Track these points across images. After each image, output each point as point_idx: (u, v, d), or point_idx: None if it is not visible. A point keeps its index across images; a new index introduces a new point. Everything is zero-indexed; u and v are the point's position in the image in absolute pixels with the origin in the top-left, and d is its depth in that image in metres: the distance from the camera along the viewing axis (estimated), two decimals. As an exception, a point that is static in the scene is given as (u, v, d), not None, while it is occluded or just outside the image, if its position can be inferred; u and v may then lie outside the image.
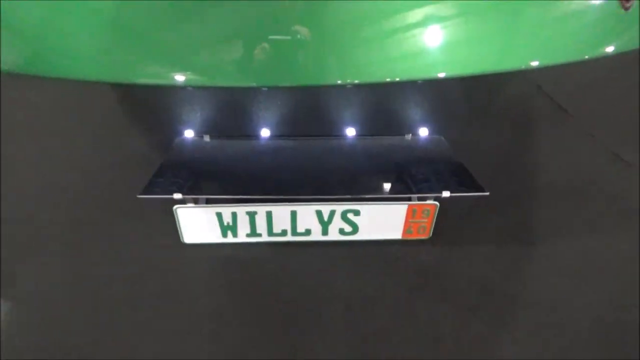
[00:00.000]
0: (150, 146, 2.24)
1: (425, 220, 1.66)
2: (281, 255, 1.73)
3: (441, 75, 1.01)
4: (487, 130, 2.46)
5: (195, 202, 1.61)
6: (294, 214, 1.61)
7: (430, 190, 1.63)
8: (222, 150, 1.93)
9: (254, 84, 1.00)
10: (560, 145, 2.43)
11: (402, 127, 1.97)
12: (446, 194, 1.56)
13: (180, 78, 0.96)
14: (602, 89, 2.84)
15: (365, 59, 0.98)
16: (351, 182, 1.80)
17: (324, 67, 0.98)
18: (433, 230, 1.70)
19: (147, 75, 0.96)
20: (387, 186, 1.89)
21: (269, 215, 1.61)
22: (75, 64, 0.96)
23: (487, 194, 1.55)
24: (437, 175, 1.70)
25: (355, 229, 1.68)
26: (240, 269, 1.68)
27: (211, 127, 1.97)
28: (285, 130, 1.95)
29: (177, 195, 1.52)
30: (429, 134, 1.96)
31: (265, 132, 1.95)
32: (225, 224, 1.63)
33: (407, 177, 1.77)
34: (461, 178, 1.68)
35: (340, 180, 1.79)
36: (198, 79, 0.97)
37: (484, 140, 2.36)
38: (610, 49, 1.07)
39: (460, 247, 1.78)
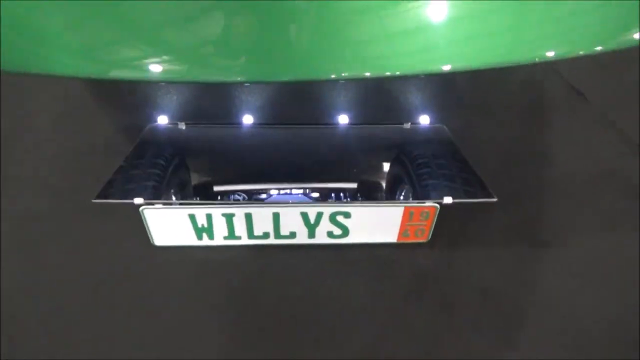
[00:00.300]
0: (123, 133, 2.15)
1: (424, 222, 1.59)
2: (263, 259, 1.61)
3: (446, 68, 0.96)
4: (494, 117, 2.32)
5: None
6: (276, 216, 1.51)
7: (430, 195, 1.53)
8: (198, 140, 1.83)
9: (241, 80, 0.96)
10: (575, 133, 2.30)
11: (400, 114, 1.90)
12: (448, 200, 1.48)
13: (158, 70, 0.93)
14: (623, 71, 2.77)
15: (363, 50, 0.93)
16: (341, 177, 1.72)
17: (317, 60, 0.94)
18: (432, 232, 1.61)
19: (128, 68, 0.94)
20: (380, 187, 1.87)
21: (248, 217, 1.52)
22: (68, 60, 0.93)
23: (495, 199, 1.50)
24: (439, 174, 1.60)
25: (345, 231, 1.58)
26: (217, 273, 1.57)
27: (188, 113, 1.88)
28: (272, 118, 1.86)
29: (138, 200, 1.41)
30: (430, 122, 1.90)
31: (248, 120, 1.87)
32: (200, 225, 1.54)
33: (404, 176, 1.70)
34: (465, 178, 1.58)
35: (329, 174, 1.70)
36: (178, 72, 0.94)
37: (490, 129, 2.22)
38: (637, 36, 1.01)
39: (462, 250, 1.68)
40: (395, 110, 1.91)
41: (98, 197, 1.42)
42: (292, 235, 1.58)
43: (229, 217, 1.50)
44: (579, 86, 2.62)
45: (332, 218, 1.54)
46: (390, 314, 1.48)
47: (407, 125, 1.83)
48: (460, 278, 1.60)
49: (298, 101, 1.97)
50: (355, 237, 1.61)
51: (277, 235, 1.58)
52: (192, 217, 1.50)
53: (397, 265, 1.64)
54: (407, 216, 1.54)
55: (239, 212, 1.49)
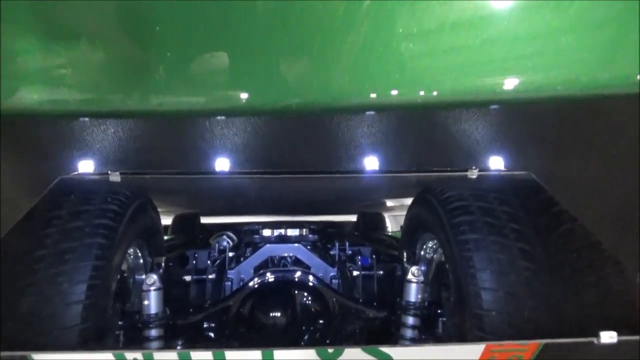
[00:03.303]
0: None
1: (524, 348, 0.94)
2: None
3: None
4: (593, 159, 1.52)
5: None
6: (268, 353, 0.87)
7: (474, 264, 1.02)
8: (139, 202, 1.26)
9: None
10: None
11: (461, 155, 1.26)
12: (609, 338, 0.82)
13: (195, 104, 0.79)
14: None
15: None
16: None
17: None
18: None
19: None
20: (382, 222, 1.57)
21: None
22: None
23: None
24: (482, 223, 1.08)
25: (386, 360, 0.96)
26: None
27: (126, 157, 1.24)
28: (255, 163, 1.27)
29: None
30: (507, 167, 1.24)
31: (223, 164, 1.23)
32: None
33: (429, 223, 1.21)
34: (519, 231, 1.07)
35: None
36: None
37: (595, 177, 1.49)
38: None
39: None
40: (453, 148, 1.24)
41: None
42: (298, 371, 0.90)
43: (185, 354, 0.82)
44: None
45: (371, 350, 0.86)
46: None
47: (473, 174, 1.16)
48: None
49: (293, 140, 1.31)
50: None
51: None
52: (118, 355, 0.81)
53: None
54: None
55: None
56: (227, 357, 0.82)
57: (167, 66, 0.74)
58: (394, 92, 0.77)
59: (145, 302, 1.24)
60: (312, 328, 1.31)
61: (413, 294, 1.32)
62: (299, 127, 1.23)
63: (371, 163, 1.30)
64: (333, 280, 1.56)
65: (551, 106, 1.12)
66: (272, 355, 0.83)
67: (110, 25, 0.72)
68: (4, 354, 0.75)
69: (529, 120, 1.30)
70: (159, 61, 0.73)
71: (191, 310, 1.40)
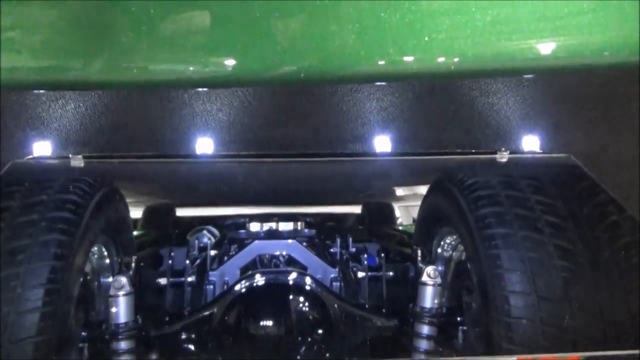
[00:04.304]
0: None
1: None
2: None
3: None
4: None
5: None
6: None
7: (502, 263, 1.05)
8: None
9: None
10: None
11: (488, 134, 1.29)
12: None
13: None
14: None
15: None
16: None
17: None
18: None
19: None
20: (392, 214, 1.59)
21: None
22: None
23: None
24: (513, 215, 1.11)
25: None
26: None
27: (89, 138, 1.26)
28: (242, 144, 1.30)
29: None
30: (543, 148, 1.27)
31: (203, 146, 1.26)
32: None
33: (449, 214, 1.24)
34: (557, 225, 1.11)
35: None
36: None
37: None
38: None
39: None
40: (477, 127, 1.26)
41: None
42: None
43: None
44: None
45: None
46: None
47: (503, 157, 1.18)
48: None
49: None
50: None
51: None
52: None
53: None
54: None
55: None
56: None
57: (138, 28, 0.73)
58: (408, 59, 0.77)
59: (113, 310, 1.27)
60: (309, 339, 1.33)
61: (429, 298, 1.35)
62: (294, 100, 1.24)
63: (380, 144, 1.31)
64: (334, 283, 1.60)
65: (596, 75, 1.12)
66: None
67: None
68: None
69: (570, 93, 1.30)
70: (129, 22, 0.73)
71: (167, 319, 1.43)
